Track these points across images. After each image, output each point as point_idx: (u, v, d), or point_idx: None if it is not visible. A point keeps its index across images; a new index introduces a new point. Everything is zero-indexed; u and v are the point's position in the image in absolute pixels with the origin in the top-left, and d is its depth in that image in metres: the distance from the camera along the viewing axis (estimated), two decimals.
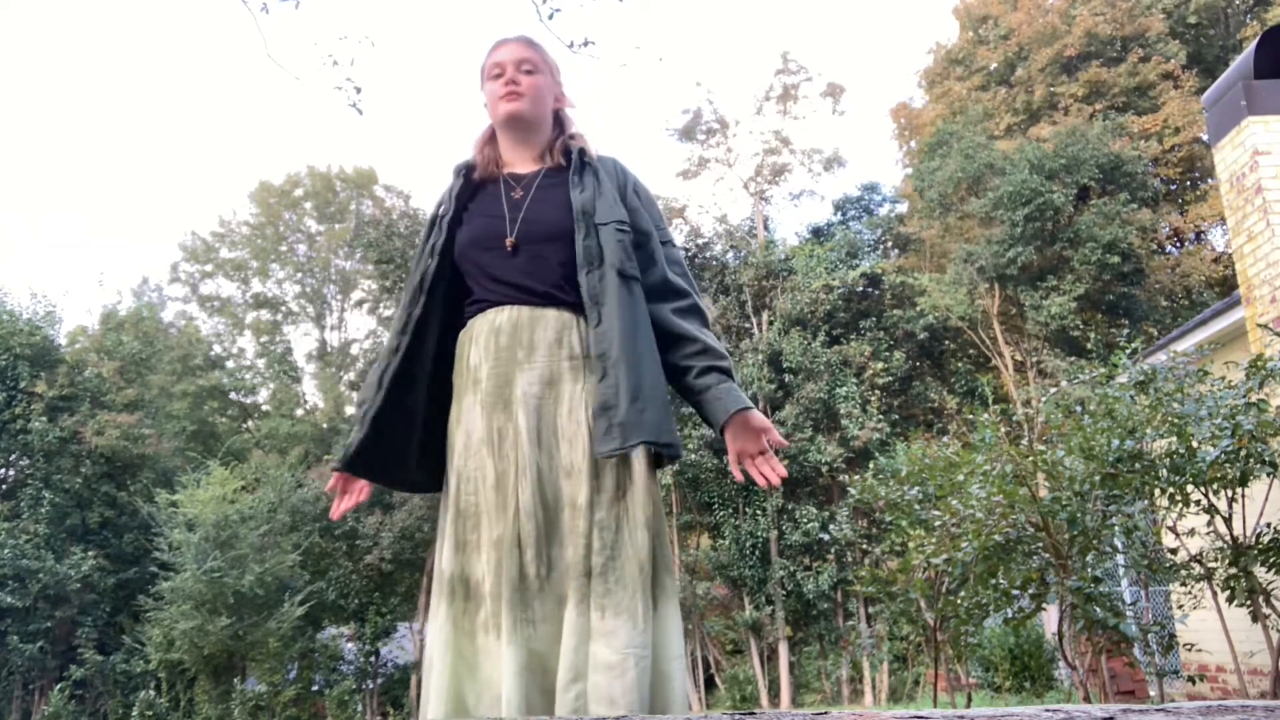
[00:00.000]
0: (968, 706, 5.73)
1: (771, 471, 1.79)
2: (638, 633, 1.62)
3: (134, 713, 15.19)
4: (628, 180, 1.94)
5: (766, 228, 23.07)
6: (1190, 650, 5.05)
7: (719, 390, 1.80)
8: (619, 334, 1.73)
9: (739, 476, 1.85)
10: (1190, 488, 3.96)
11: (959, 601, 4.87)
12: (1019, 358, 18.28)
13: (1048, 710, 1.24)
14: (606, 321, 1.74)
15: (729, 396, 1.79)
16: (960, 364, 19.22)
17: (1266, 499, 3.93)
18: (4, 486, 18.94)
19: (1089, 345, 13.83)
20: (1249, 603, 3.93)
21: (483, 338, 1.78)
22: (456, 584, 1.69)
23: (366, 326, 28.22)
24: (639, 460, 1.73)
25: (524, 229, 1.82)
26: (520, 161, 1.93)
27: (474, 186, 1.92)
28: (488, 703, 1.63)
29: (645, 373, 1.73)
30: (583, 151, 1.92)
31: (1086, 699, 4.35)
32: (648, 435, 1.68)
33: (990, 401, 5.55)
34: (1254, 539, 3.95)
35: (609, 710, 1.55)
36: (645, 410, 1.69)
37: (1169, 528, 4.32)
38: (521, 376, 1.74)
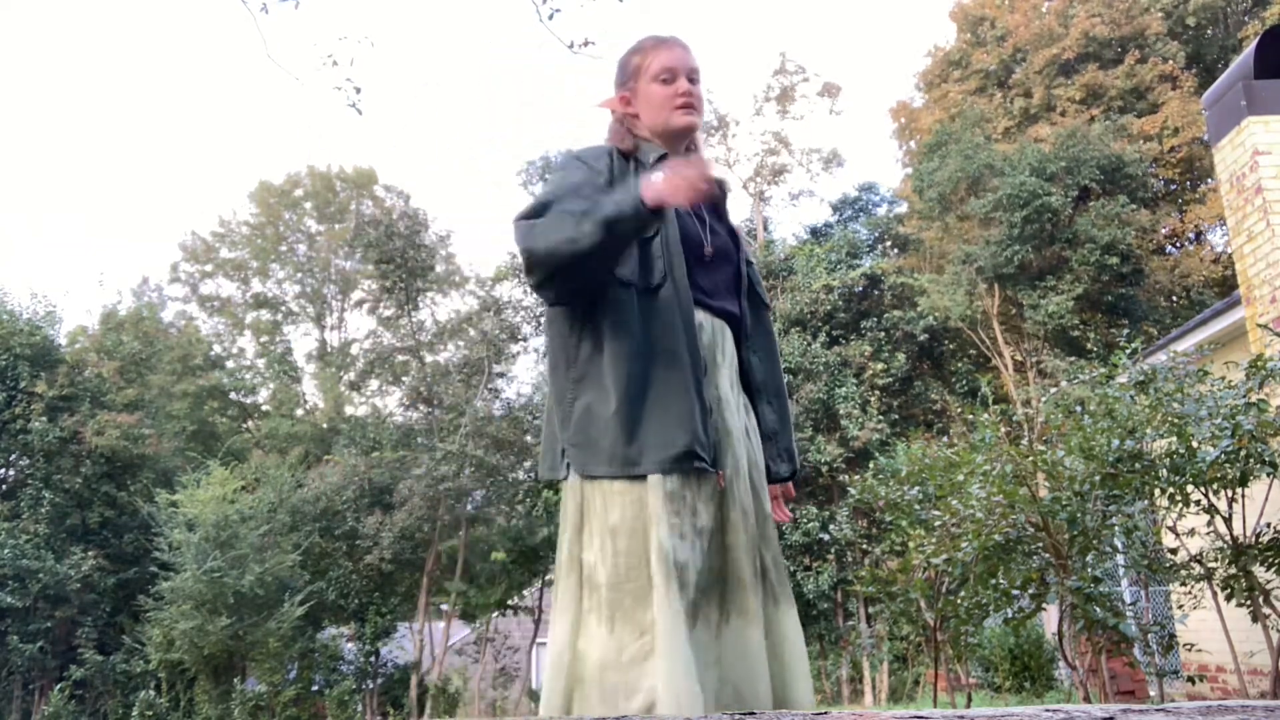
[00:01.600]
0: (968, 706, 5.74)
1: (783, 514, 2.08)
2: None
3: (134, 713, 15.17)
4: None
5: (766, 228, 23.07)
6: (1190, 650, 5.05)
7: None
8: (773, 365, 1.90)
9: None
10: (1190, 488, 3.95)
11: (959, 601, 4.87)
12: (1019, 358, 18.27)
13: (1048, 710, 1.24)
14: (761, 351, 1.89)
15: None
16: (960, 364, 19.21)
17: (1266, 499, 3.94)
18: (4, 486, 18.93)
19: (1089, 345, 13.84)
20: (1249, 603, 3.93)
21: None
22: (678, 572, 1.61)
23: (366, 326, 28.27)
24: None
25: (715, 241, 1.85)
26: None
27: None
28: (711, 690, 1.59)
29: (788, 404, 1.94)
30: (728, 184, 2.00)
31: (1086, 699, 4.35)
32: (797, 464, 1.93)
33: (990, 402, 5.54)
34: (1254, 539, 3.95)
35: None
36: (794, 439, 1.93)
37: (1169, 528, 4.32)
38: (721, 378, 1.78)
